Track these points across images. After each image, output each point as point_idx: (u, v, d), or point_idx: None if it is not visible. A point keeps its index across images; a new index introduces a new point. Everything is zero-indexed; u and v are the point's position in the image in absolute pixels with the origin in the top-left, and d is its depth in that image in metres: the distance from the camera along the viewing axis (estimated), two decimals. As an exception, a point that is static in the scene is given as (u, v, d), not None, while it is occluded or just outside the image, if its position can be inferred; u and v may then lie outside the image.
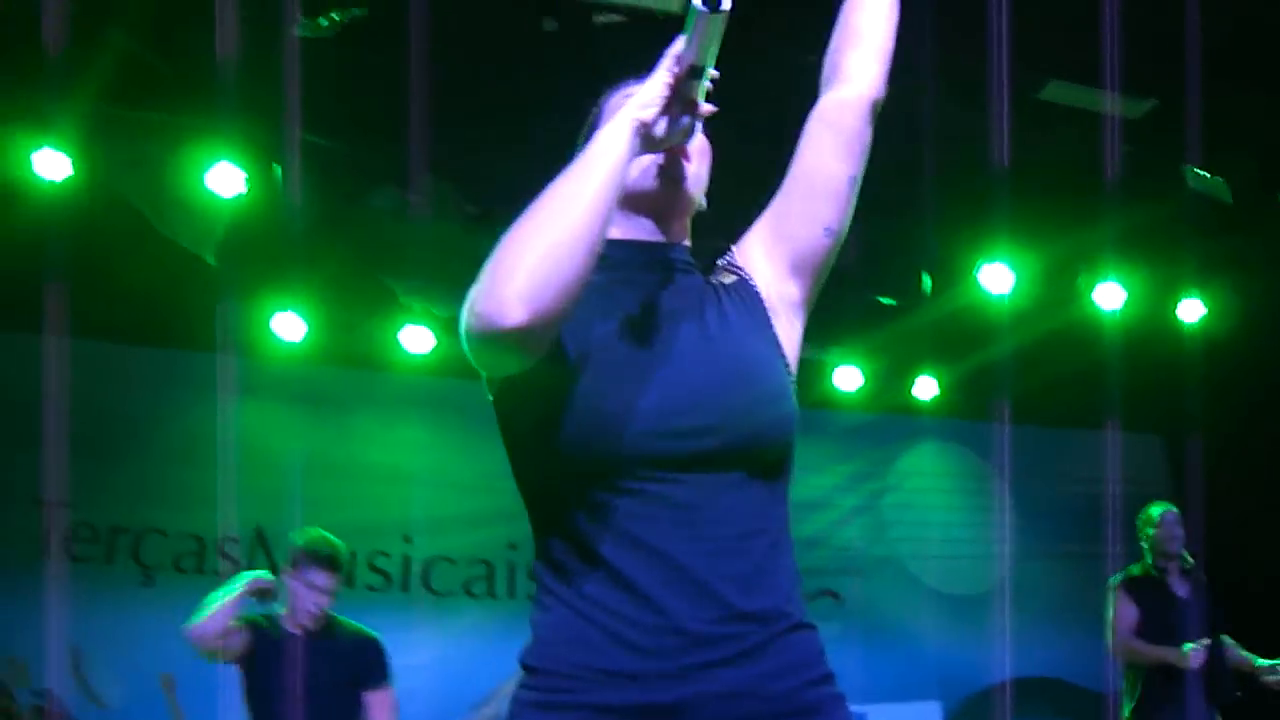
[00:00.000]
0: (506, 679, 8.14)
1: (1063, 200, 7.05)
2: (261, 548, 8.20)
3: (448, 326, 8.03)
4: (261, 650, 5.35)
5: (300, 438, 8.17)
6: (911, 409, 9.48)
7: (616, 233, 2.17)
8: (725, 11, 1.98)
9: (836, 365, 8.94)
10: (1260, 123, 6.61)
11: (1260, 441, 8.72)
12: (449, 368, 8.37)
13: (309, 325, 7.82)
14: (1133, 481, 9.66)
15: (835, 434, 9.20)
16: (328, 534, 5.52)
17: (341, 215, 6.80)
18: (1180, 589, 6.80)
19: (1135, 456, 9.95)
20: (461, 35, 5.78)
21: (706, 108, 2.09)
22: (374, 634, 5.58)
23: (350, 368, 8.47)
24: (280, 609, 5.46)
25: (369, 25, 5.57)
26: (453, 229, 6.86)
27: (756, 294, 2.26)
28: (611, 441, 1.99)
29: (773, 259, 2.29)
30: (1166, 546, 6.85)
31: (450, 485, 8.26)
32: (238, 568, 8.08)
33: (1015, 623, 9.39)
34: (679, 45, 2.05)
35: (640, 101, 2.04)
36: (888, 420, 9.62)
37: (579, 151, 2.26)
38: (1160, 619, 6.69)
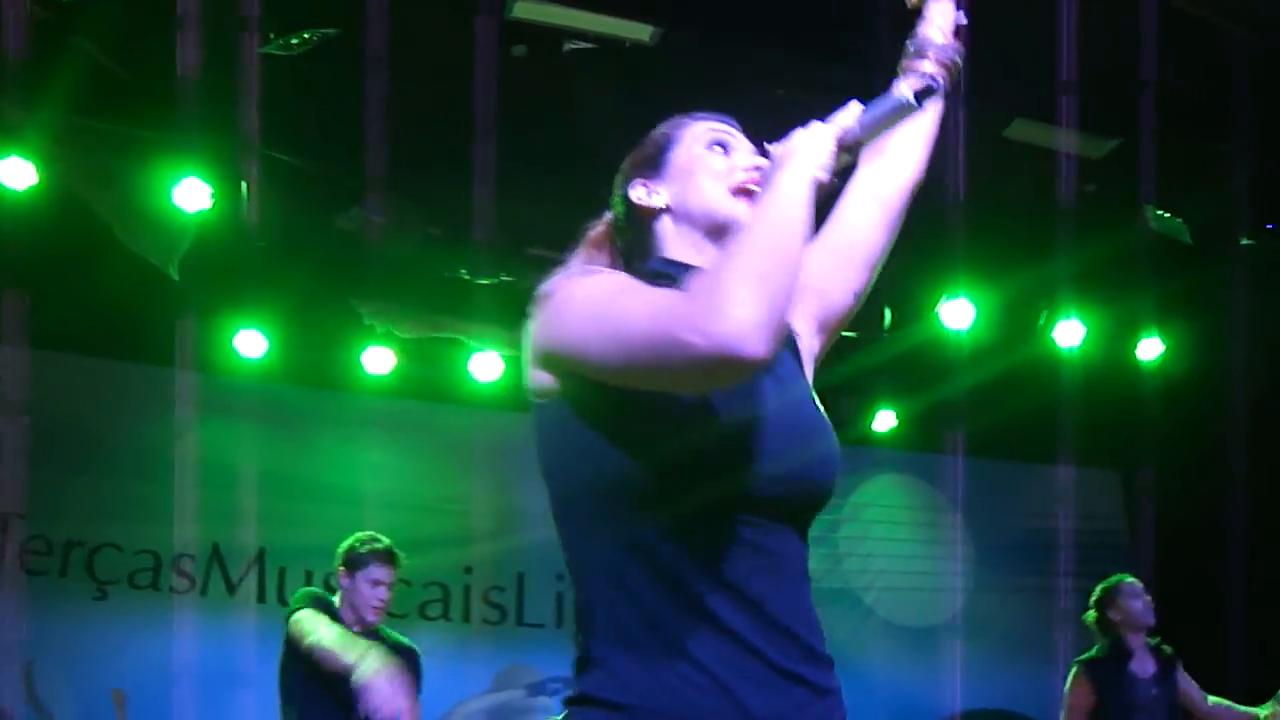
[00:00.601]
0: (462, 701, 8.12)
1: (1024, 237, 7.10)
2: (217, 565, 8.17)
3: (409, 347, 8.03)
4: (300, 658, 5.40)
5: (259, 456, 8.13)
6: (869, 441, 9.49)
7: (693, 257, 2.18)
8: (919, 108, 2.09)
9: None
10: (1220, 165, 6.69)
11: (1214, 479, 8.80)
12: (409, 389, 8.37)
13: (271, 343, 7.80)
14: (1088, 517, 9.74)
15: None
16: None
17: (307, 233, 6.80)
18: (1146, 667, 6.51)
19: (1091, 492, 10.02)
20: (432, 58, 5.81)
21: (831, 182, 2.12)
22: (414, 645, 5.77)
23: (311, 386, 8.45)
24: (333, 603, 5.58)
25: (341, 45, 5.58)
26: (416, 250, 6.87)
27: (796, 342, 2.31)
28: (717, 485, 1.99)
29: (805, 314, 2.33)
30: (1143, 620, 6.52)
31: (407, 507, 8.24)
32: (193, 585, 8.06)
33: (968, 655, 9.42)
34: (850, 116, 2.09)
35: (819, 162, 2.02)
36: (845, 452, 9.60)
37: (631, 171, 2.28)
38: (1123, 703, 6.42)
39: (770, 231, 1.88)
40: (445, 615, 8.71)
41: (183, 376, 7.62)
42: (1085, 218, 6.73)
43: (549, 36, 5.80)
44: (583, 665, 2.04)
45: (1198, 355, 8.40)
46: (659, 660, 1.96)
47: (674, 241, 2.20)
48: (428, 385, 8.52)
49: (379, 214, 6.55)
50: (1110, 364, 8.31)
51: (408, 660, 5.65)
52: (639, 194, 2.23)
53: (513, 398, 8.59)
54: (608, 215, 2.33)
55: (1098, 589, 6.70)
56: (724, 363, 1.79)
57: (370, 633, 5.55)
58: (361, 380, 8.22)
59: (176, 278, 6.74)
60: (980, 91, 5.99)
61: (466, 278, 7.26)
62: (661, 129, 2.30)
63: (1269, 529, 7.83)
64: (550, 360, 2.03)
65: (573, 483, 2.05)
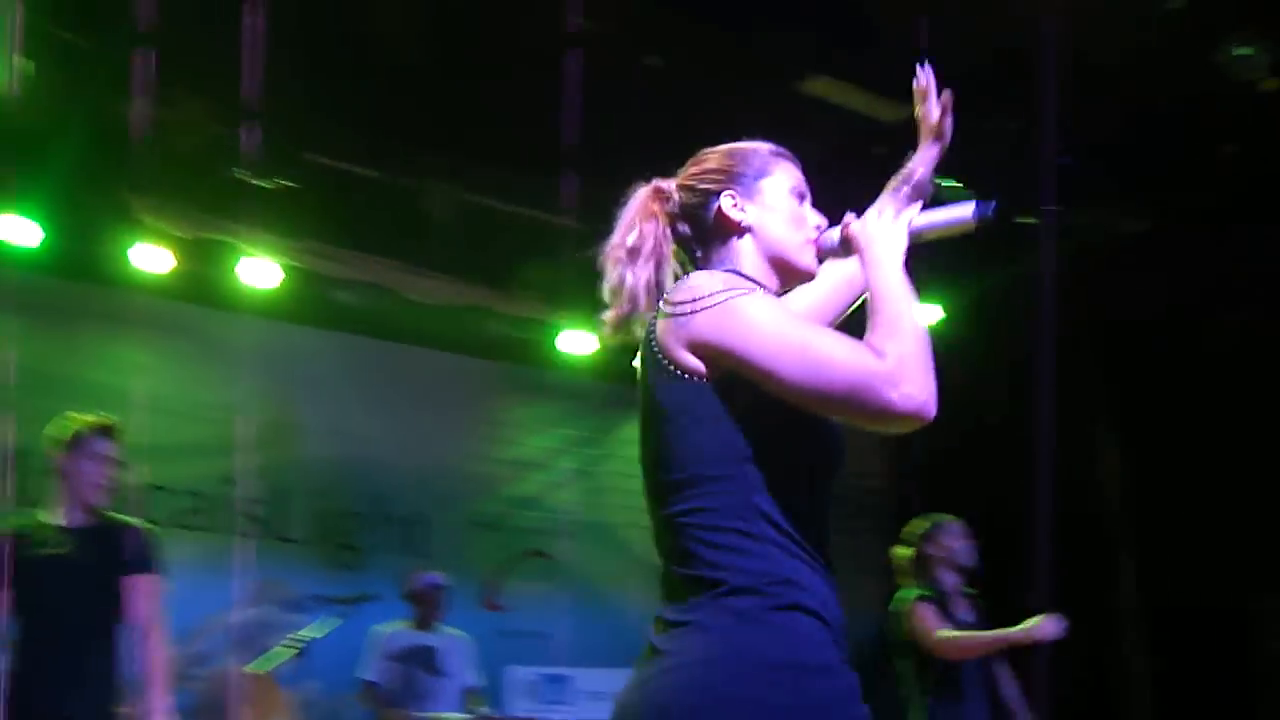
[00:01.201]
0: (214, 613, 7.96)
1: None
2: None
3: (185, 247, 7.82)
4: (24, 557, 5.28)
5: (18, 348, 7.80)
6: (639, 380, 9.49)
7: (761, 278, 2.59)
8: (973, 225, 2.54)
9: (562, 328, 8.49)
10: (1004, 141, 6.87)
11: (982, 444, 9.07)
12: (181, 291, 8.13)
13: (43, 231, 7.52)
14: (855, 475, 9.95)
15: (558, 396, 9.10)
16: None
17: (83, 118, 6.59)
18: (964, 613, 6.43)
19: (859, 452, 10.23)
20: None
21: None
22: (141, 522, 5.61)
23: (76, 280, 8.15)
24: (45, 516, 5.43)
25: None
26: (200, 148, 6.71)
27: None
28: (840, 463, 2.55)
29: None
30: (963, 559, 6.46)
31: (170, 412, 8.02)
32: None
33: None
34: (921, 217, 2.62)
35: (902, 253, 2.52)
36: (615, 389, 9.66)
37: (723, 179, 2.64)
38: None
39: (917, 320, 2.39)
40: (203, 526, 8.55)
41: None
42: (872, 181, 6.83)
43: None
44: (782, 585, 2.41)
45: (970, 324, 8.64)
46: (823, 582, 2.46)
47: (749, 259, 2.61)
48: (198, 287, 8.28)
49: (156, 105, 6.37)
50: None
51: (137, 539, 5.52)
52: (728, 204, 2.61)
53: (285, 307, 8.42)
54: (658, 186, 2.67)
55: (918, 524, 6.60)
56: (912, 421, 2.32)
57: (92, 514, 5.42)
58: (130, 276, 7.92)
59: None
60: (779, 42, 6.06)
61: (244, 178, 7.11)
62: (755, 151, 2.70)
63: (1034, 496, 8.03)
64: (717, 356, 2.40)
65: (737, 453, 2.46)
